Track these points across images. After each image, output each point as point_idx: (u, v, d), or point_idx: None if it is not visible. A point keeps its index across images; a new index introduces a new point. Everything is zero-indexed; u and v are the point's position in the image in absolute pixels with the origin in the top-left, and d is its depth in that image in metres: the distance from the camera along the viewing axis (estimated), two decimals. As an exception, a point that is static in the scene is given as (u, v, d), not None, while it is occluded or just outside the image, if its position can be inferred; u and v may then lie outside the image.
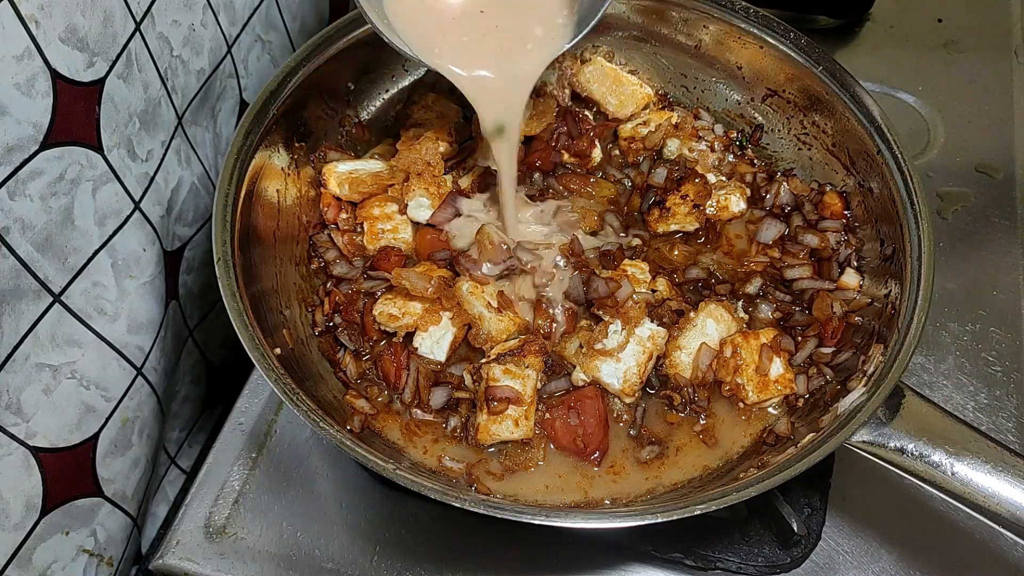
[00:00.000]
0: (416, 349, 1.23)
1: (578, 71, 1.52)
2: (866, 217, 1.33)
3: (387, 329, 1.25)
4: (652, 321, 1.24)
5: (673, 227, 1.39)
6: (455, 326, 1.23)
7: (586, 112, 1.53)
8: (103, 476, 1.18)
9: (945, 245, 1.57)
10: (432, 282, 1.23)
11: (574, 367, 1.22)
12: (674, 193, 1.38)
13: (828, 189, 1.39)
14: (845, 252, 1.34)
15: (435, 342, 1.22)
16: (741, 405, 1.22)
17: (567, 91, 1.54)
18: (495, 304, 1.24)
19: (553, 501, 1.14)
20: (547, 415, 1.18)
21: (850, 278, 1.30)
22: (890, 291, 1.21)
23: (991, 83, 1.86)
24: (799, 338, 1.26)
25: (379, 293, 1.28)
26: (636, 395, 1.21)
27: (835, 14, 1.96)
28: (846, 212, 1.37)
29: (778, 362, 1.20)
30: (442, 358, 1.23)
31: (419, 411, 1.20)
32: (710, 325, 1.24)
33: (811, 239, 1.35)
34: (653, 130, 1.47)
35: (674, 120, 1.49)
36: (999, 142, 1.76)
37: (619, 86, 1.51)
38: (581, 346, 1.23)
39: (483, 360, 1.22)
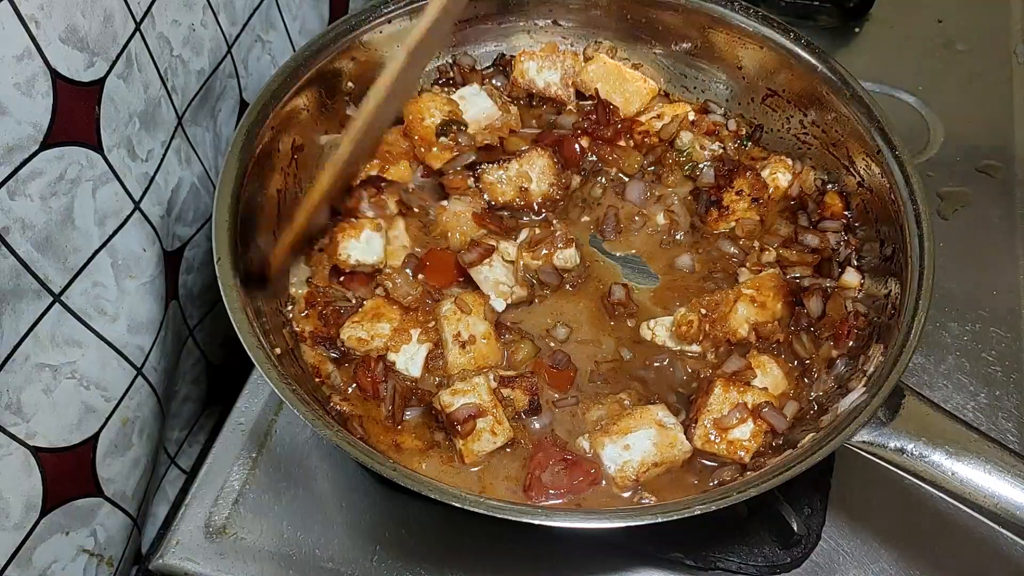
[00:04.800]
0: (393, 364, 1.21)
1: (581, 70, 1.52)
2: (866, 217, 1.33)
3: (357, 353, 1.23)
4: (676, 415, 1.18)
5: (732, 225, 1.39)
6: (428, 341, 1.23)
7: (615, 105, 1.50)
8: (103, 476, 1.18)
9: (945, 245, 1.55)
10: (416, 290, 1.22)
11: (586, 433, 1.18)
12: (728, 190, 1.37)
13: (830, 188, 1.39)
14: (845, 252, 1.34)
15: (409, 358, 1.21)
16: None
17: (571, 90, 1.53)
18: (465, 336, 1.21)
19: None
20: (538, 455, 1.14)
21: (851, 277, 1.30)
22: (890, 291, 1.21)
23: (991, 83, 1.86)
24: (812, 336, 1.25)
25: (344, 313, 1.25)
26: (627, 491, 1.14)
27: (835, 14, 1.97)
28: (846, 212, 1.37)
29: (746, 426, 1.14)
30: (417, 374, 1.21)
31: (400, 427, 1.18)
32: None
33: (811, 239, 1.34)
34: (668, 122, 1.46)
35: (691, 117, 1.49)
36: (999, 142, 1.76)
37: (623, 83, 1.50)
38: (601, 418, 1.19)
39: (433, 394, 1.19)
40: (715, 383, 1.16)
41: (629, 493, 1.13)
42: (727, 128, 1.50)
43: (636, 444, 1.13)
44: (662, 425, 1.14)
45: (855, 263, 1.32)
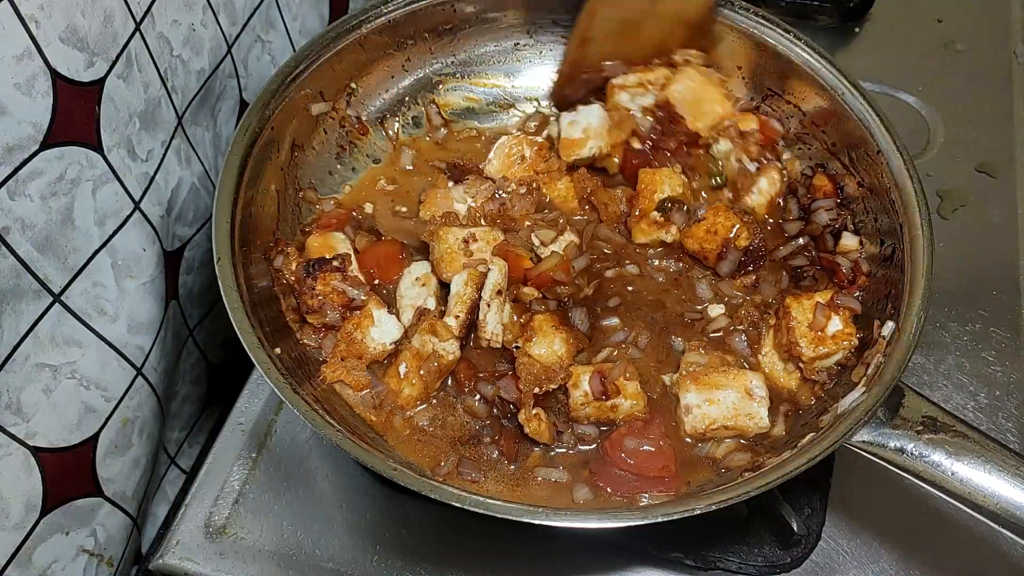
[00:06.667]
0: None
1: (667, 82, 1.47)
2: (866, 216, 1.33)
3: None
4: None
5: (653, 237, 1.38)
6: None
7: (683, 117, 1.47)
8: (103, 476, 1.18)
9: (945, 245, 1.56)
10: None
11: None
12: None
13: (818, 171, 1.39)
14: (839, 222, 1.35)
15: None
16: (801, 364, 1.21)
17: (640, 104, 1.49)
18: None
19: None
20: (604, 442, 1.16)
21: (848, 240, 1.31)
22: (890, 291, 1.21)
23: (991, 83, 1.86)
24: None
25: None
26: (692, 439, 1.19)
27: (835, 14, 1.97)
28: (838, 190, 1.37)
29: (836, 319, 1.19)
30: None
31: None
32: None
33: (792, 227, 1.37)
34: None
35: (742, 127, 1.45)
36: (999, 142, 1.76)
37: (702, 100, 1.46)
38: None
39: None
40: (787, 303, 1.21)
41: (691, 441, 1.17)
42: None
43: (718, 401, 1.16)
44: (750, 394, 1.16)
45: (851, 228, 1.33)
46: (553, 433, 1.16)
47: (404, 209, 1.42)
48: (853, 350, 1.19)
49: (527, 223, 1.34)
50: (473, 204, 1.36)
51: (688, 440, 1.17)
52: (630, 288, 1.33)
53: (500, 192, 1.37)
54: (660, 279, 1.35)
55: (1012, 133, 1.77)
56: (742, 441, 1.17)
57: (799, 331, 1.19)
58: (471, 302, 1.21)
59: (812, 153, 1.43)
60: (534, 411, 1.14)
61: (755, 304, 1.29)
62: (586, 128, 1.44)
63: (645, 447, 1.14)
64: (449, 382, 1.22)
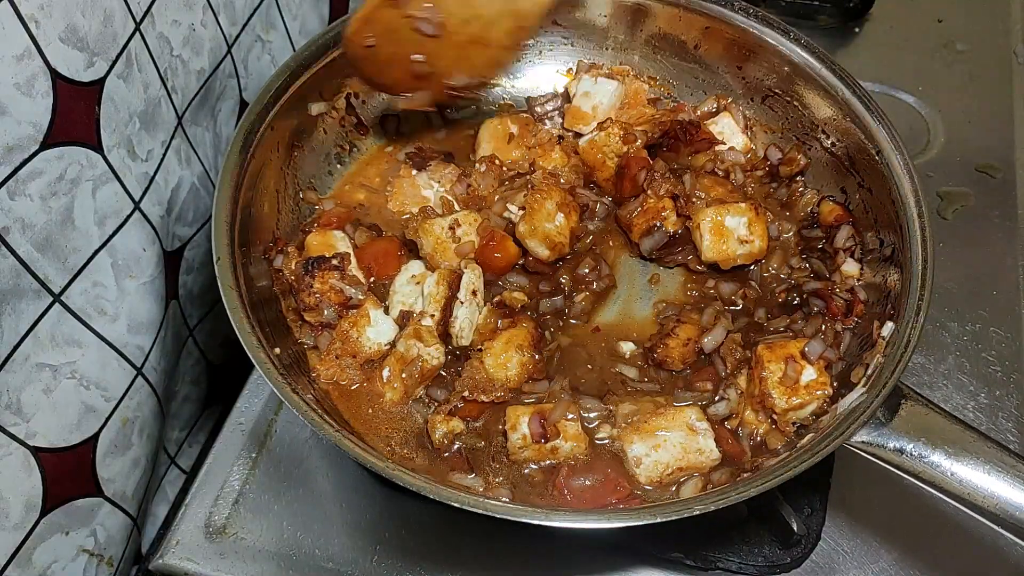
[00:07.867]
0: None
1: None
2: (866, 217, 1.33)
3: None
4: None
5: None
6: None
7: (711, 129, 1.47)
8: (103, 476, 1.18)
9: (945, 245, 1.56)
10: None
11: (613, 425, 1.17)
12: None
13: (824, 200, 1.38)
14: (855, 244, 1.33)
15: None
16: (774, 416, 1.16)
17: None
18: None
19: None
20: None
21: (850, 267, 1.29)
22: (890, 291, 1.21)
23: (991, 83, 1.87)
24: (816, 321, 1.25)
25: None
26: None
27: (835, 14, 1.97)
28: (848, 210, 1.36)
29: (810, 369, 1.16)
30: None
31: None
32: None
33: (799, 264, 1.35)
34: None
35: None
36: (999, 142, 1.76)
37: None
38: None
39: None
40: (759, 353, 1.18)
41: (652, 488, 1.13)
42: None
43: (664, 444, 1.12)
44: (692, 429, 1.13)
45: (854, 254, 1.31)
46: (449, 442, 1.14)
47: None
48: (827, 400, 1.15)
49: (496, 197, 1.34)
50: (442, 191, 1.38)
51: (649, 488, 1.13)
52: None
53: (463, 175, 1.38)
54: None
55: (1012, 133, 1.77)
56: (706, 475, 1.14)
57: (771, 381, 1.15)
58: (444, 300, 1.20)
59: (812, 154, 1.43)
60: (448, 417, 1.14)
61: (737, 342, 1.24)
62: (596, 106, 1.45)
63: (591, 481, 1.12)
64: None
